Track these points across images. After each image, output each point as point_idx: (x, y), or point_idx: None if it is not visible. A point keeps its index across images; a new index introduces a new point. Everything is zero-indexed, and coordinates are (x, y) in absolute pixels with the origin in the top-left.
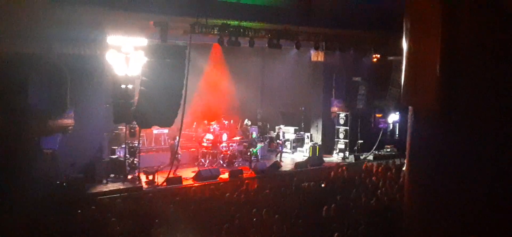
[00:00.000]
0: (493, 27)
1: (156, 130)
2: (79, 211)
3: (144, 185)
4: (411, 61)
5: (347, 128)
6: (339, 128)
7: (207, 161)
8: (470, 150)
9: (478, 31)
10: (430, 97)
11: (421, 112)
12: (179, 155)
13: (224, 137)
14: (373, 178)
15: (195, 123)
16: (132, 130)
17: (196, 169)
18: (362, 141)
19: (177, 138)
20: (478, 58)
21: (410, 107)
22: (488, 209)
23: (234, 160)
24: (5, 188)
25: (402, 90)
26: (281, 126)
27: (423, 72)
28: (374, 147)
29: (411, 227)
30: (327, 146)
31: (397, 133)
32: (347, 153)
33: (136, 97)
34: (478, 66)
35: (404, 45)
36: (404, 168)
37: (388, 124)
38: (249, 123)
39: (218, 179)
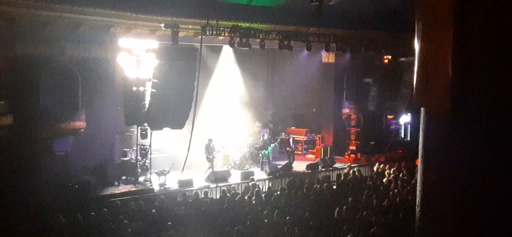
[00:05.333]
0: (507, 26)
1: (167, 132)
2: (92, 213)
3: (156, 187)
4: (423, 62)
5: (359, 129)
6: (350, 129)
7: (219, 163)
8: (483, 151)
9: (491, 30)
10: (443, 98)
11: (434, 113)
12: None
13: (236, 138)
14: (384, 179)
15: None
16: (143, 132)
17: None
18: (373, 142)
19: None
20: (491, 58)
21: (422, 108)
22: (503, 211)
23: (246, 162)
24: (18, 190)
25: (414, 91)
26: (289, 134)
27: (435, 72)
28: None
29: (423, 229)
30: (339, 147)
31: (409, 134)
32: (358, 155)
33: (147, 100)
34: (491, 66)
35: (416, 45)
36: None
37: (400, 125)
38: (260, 125)
39: (229, 181)
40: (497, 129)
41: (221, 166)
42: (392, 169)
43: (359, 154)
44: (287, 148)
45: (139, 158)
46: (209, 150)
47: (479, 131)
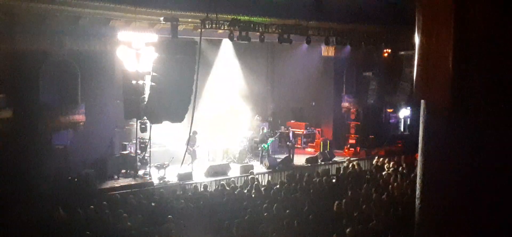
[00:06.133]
0: (508, 19)
1: (166, 126)
2: (91, 206)
3: (155, 181)
4: (423, 55)
5: (358, 123)
6: (350, 123)
7: (218, 156)
8: (484, 145)
9: (492, 23)
10: (443, 91)
11: (434, 106)
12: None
13: (236, 132)
14: (384, 173)
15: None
16: (142, 126)
17: (207, 164)
18: (373, 136)
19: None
20: (492, 50)
21: (422, 101)
22: (504, 206)
23: (245, 155)
24: (17, 184)
25: (414, 85)
26: (289, 127)
27: (435, 65)
28: None
29: (423, 223)
30: (338, 141)
31: (408, 128)
32: (358, 148)
33: (147, 93)
34: (492, 59)
35: (416, 38)
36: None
37: (399, 118)
38: (260, 118)
39: (229, 175)
40: (498, 123)
41: (221, 160)
42: (392, 163)
43: (358, 148)
44: (287, 142)
45: (138, 151)
46: (191, 143)
47: (479, 124)
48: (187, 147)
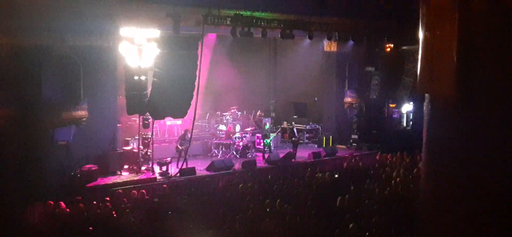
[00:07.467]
0: (511, 12)
1: (169, 121)
2: (94, 202)
3: (158, 176)
4: (428, 48)
5: (361, 118)
6: (352, 118)
7: (221, 152)
8: (489, 139)
9: (495, 16)
10: (447, 85)
11: (438, 100)
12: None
13: (237, 127)
14: (386, 168)
15: (208, 114)
16: (145, 121)
17: (209, 160)
18: (375, 131)
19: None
20: (497, 43)
21: (426, 95)
22: (507, 200)
23: (247, 151)
24: (20, 180)
25: (418, 78)
26: (293, 123)
27: (439, 59)
28: None
29: (426, 218)
30: (341, 136)
31: (411, 123)
32: (360, 143)
33: (149, 89)
34: (497, 51)
35: (420, 32)
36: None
37: (402, 113)
38: (262, 114)
39: (231, 170)
40: (502, 115)
41: (223, 155)
42: (394, 158)
43: (361, 143)
44: (293, 138)
45: (141, 147)
46: (181, 142)
47: (484, 117)
48: (189, 144)
